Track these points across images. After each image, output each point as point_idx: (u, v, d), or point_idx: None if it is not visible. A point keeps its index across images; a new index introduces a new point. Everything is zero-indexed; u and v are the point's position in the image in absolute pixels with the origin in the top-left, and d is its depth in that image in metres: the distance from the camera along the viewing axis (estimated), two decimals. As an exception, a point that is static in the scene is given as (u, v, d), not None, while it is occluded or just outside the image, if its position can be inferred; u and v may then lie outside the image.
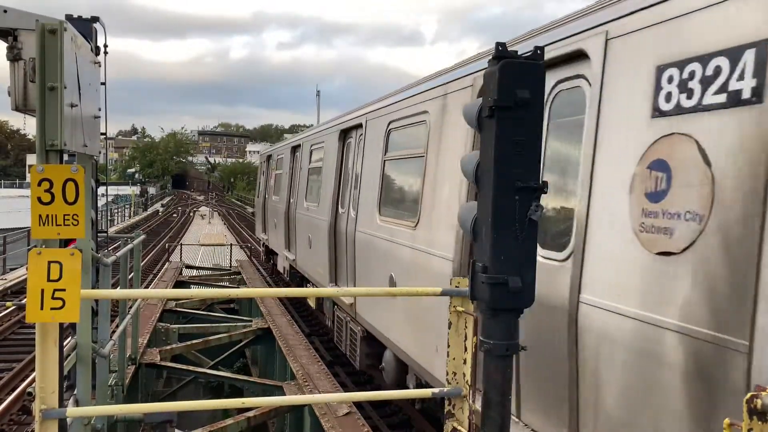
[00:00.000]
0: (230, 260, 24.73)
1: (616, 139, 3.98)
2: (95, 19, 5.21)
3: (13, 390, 10.78)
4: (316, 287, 12.14)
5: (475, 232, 3.62)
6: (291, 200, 15.78)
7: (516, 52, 3.51)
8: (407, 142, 8.09)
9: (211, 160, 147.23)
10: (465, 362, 4.03)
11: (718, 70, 3.25)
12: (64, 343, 4.25)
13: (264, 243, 22.22)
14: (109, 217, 38.77)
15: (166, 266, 21.77)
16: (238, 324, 12.06)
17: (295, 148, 16.54)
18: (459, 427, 4.06)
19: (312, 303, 13.76)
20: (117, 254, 6.74)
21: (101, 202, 6.78)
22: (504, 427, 3.59)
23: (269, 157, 21.89)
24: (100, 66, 5.17)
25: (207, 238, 36.21)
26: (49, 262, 3.36)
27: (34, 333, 3.53)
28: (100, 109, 5.15)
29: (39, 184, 3.41)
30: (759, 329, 2.89)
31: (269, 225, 20.17)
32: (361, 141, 10.04)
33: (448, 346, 4.11)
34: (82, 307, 3.82)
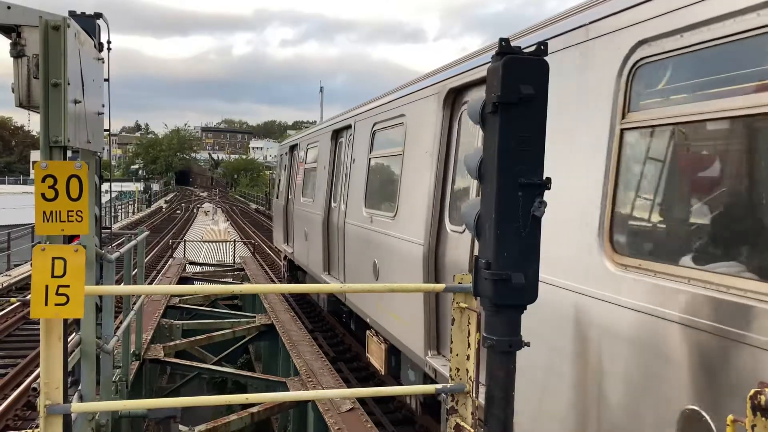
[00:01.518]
0: (234, 256, 24.77)
1: None
2: (98, 16, 5.21)
3: (18, 386, 10.83)
4: (402, 345, 7.64)
5: (478, 229, 3.62)
6: (332, 205, 11.47)
7: (520, 47, 3.50)
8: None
9: (215, 156, 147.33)
10: (468, 358, 4.03)
11: None
12: (69, 339, 4.26)
13: (286, 256, 17.21)
14: (112, 214, 38.84)
15: (169, 262, 21.83)
16: (242, 320, 12.10)
17: (338, 133, 11.85)
18: (462, 423, 4.06)
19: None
20: (121, 250, 6.75)
21: (106, 198, 6.79)
22: (507, 423, 3.59)
23: (293, 147, 17.00)
24: (103, 62, 5.17)
25: (210, 235, 36.26)
26: (54, 259, 3.37)
27: (38, 329, 3.54)
28: (103, 106, 5.16)
29: (43, 181, 3.42)
30: None
31: (294, 235, 15.52)
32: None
33: (451, 342, 4.11)
34: (86, 303, 3.83)
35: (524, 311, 3.59)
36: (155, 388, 10.05)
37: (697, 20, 3.34)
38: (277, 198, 19.20)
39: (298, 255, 14.97)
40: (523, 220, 3.44)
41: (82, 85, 4.13)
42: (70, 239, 3.82)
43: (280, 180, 19.08)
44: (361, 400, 7.61)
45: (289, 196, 16.65)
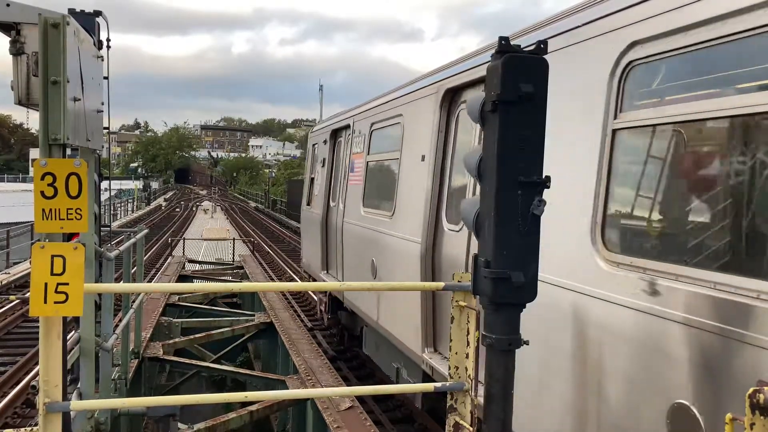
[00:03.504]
0: (233, 255, 24.77)
1: None
2: (98, 14, 5.21)
3: (17, 383, 10.82)
4: None
5: (477, 227, 3.62)
6: (446, 228, 6.55)
7: (519, 45, 3.50)
8: None
9: (214, 154, 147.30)
10: (467, 357, 4.03)
11: None
12: (68, 337, 4.26)
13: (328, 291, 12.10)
14: (112, 212, 38.84)
15: (169, 260, 21.83)
16: (241, 318, 12.11)
17: (456, 95, 6.58)
18: (461, 422, 4.06)
19: None
20: (120, 248, 6.76)
21: (105, 196, 6.79)
22: (506, 422, 3.59)
23: (338, 132, 11.63)
24: (102, 60, 5.17)
25: (210, 233, 36.27)
26: (53, 256, 3.36)
27: (37, 327, 3.54)
28: (103, 104, 5.16)
29: (42, 179, 3.42)
30: None
31: (345, 263, 10.25)
32: None
33: (451, 340, 4.11)
34: (85, 301, 3.83)
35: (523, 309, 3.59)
36: (154, 386, 10.05)
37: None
38: (309, 205, 13.55)
39: (356, 297, 9.73)
40: (522, 219, 3.44)
41: (82, 83, 4.12)
42: (69, 237, 3.82)
43: (312, 179, 13.53)
44: (360, 399, 7.62)
45: (331, 203, 11.35)
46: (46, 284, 3.35)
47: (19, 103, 3.93)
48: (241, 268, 19.10)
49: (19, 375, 11.39)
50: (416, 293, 6.84)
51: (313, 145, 14.08)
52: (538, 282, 3.54)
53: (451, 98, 6.64)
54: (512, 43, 3.47)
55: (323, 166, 12.36)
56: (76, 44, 3.93)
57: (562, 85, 4.26)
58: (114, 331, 6.22)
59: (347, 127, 10.87)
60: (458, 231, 6.22)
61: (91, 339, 5.23)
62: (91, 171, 4.56)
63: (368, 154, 9.37)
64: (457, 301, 4.08)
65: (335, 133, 11.86)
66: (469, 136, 6.19)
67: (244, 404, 7.72)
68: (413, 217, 7.09)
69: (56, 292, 3.35)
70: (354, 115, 10.57)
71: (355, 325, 10.92)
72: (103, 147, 5.43)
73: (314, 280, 13.11)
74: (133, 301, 7.88)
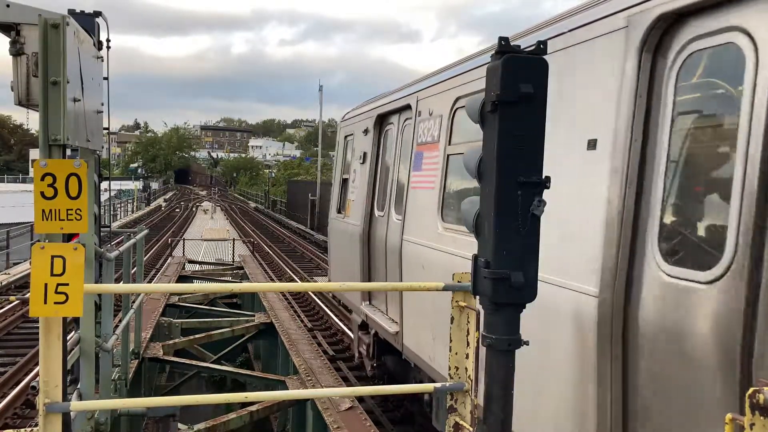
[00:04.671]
0: (233, 255, 24.77)
1: None
2: (98, 14, 5.21)
3: (17, 384, 10.82)
4: None
5: (477, 228, 3.62)
6: (653, 267, 3.60)
7: (519, 46, 3.50)
8: None
9: (214, 155, 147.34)
10: (467, 357, 4.03)
11: None
12: (68, 338, 4.26)
13: (367, 326, 9.34)
14: (112, 212, 38.83)
15: (168, 261, 21.83)
16: (241, 318, 12.12)
17: (676, 22, 3.54)
18: (461, 422, 4.06)
19: None
20: (120, 249, 6.76)
21: (105, 196, 6.79)
22: (506, 422, 3.59)
23: (388, 117, 8.84)
24: (102, 61, 5.17)
25: (209, 233, 36.28)
26: (53, 257, 3.36)
27: (37, 327, 3.54)
28: (102, 104, 5.16)
29: (42, 179, 3.42)
30: None
31: (403, 295, 7.47)
32: None
33: (450, 340, 4.11)
34: (85, 301, 3.83)
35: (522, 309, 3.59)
36: (154, 387, 10.06)
37: None
38: (340, 213, 10.71)
39: (422, 346, 6.82)
40: (522, 219, 3.44)
41: (82, 84, 4.13)
42: (69, 237, 3.82)
43: (345, 180, 10.64)
44: (361, 399, 7.62)
45: (376, 213, 8.88)
46: (46, 285, 3.35)
47: (19, 103, 3.93)
48: (241, 268, 19.12)
49: (18, 376, 11.39)
50: (561, 356, 4.21)
51: (346, 136, 10.93)
52: None
53: (662, 33, 3.69)
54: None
55: (363, 162, 9.46)
56: (76, 45, 3.93)
57: None
58: (114, 332, 6.22)
59: (406, 107, 8.01)
60: (708, 284, 3.26)
61: (91, 339, 5.24)
62: (90, 171, 4.56)
63: (449, 144, 6.57)
64: (457, 302, 4.08)
65: (382, 119, 9.01)
66: (714, 95, 3.54)
67: (244, 405, 7.72)
68: (572, 245, 4.20)
69: (56, 292, 3.35)
70: (419, 90, 7.65)
71: (408, 377, 8.00)
72: (102, 147, 5.43)
73: (349, 310, 10.81)
74: (133, 302, 7.88)
